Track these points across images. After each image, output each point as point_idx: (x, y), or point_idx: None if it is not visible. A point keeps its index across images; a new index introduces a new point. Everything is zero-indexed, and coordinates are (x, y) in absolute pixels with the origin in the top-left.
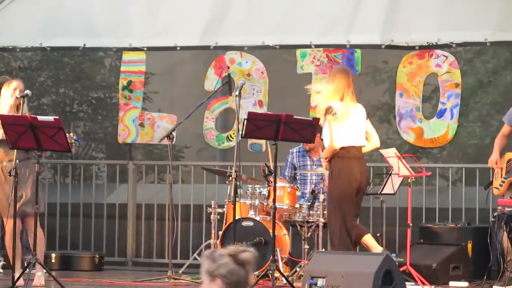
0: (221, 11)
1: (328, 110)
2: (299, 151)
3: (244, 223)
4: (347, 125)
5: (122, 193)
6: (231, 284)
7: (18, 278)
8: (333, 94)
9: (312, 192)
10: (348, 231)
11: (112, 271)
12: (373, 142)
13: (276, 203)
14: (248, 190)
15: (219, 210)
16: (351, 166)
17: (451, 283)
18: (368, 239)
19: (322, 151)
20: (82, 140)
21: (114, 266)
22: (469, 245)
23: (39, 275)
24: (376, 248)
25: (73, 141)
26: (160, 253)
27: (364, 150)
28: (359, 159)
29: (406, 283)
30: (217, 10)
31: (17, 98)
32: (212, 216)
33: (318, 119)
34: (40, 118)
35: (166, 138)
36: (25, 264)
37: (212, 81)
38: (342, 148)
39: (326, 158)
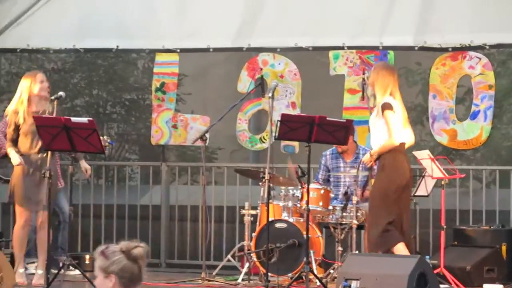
0: (253, 12)
1: (388, 106)
2: (332, 153)
3: (278, 225)
4: (400, 121)
5: (156, 195)
6: (125, 279)
7: (53, 279)
8: (381, 90)
9: (345, 194)
10: (395, 227)
11: (146, 272)
12: (410, 138)
13: (310, 205)
14: (281, 191)
15: (252, 212)
16: (402, 160)
17: (485, 286)
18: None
19: (357, 152)
20: (115, 142)
21: (147, 267)
22: (503, 248)
23: (40, 273)
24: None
25: (106, 144)
26: (193, 254)
27: None
28: (405, 154)
29: (440, 285)
30: (250, 12)
31: (51, 100)
32: (245, 218)
33: (351, 121)
34: (73, 119)
35: (199, 140)
36: (60, 265)
37: (245, 83)
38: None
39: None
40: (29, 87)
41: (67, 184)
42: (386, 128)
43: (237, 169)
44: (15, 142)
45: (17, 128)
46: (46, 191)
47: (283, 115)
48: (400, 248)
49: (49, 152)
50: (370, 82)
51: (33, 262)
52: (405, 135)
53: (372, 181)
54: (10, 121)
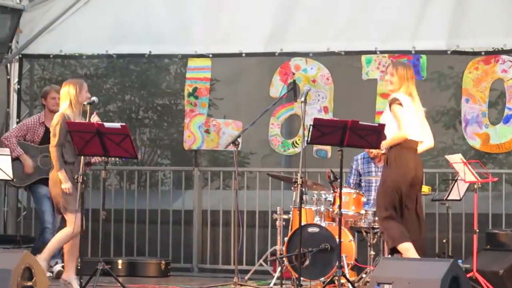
0: (285, 17)
1: (395, 101)
2: (363, 158)
3: (310, 229)
4: (411, 118)
5: (188, 200)
6: None
7: (86, 284)
8: (397, 85)
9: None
10: (399, 221)
11: (178, 277)
12: (428, 141)
13: (342, 209)
14: (314, 196)
15: (285, 216)
16: (408, 157)
17: None
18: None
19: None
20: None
21: (180, 272)
22: None
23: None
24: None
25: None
26: (225, 259)
27: (419, 149)
28: (415, 152)
29: None
30: (282, 17)
31: (84, 104)
32: (277, 222)
33: (383, 125)
34: (106, 125)
35: (231, 145)
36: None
37: (277, 88)
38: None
39: (386, 148)
40: (77, 94)
41: (98, 189)
42: (396, 122)
43: (270, 174)
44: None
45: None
46: (79, 196)
47: (315, 120)
48: (405, 247)
49: (82, 158)
50: (387, 79)
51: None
52: (417, 134)
53: None
54: (60, 124)
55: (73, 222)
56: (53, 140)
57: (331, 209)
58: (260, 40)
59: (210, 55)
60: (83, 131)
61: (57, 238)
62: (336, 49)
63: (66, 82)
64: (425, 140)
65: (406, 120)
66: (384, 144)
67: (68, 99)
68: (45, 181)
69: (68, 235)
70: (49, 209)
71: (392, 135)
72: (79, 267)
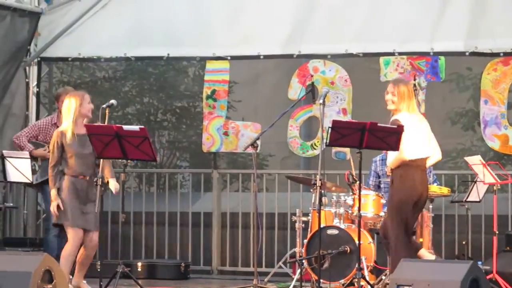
0: (303, 19)
1: (395, 123)
2: (382, 159)
3: (329, 232)
4: (414, 136)
5: (207, 202)
6: None
7: (106, 286)
8: (398, 105)
9: None
10: (409, 238)
11: (198, 279)
12: (436, 154)
13: (361, 211)
14: (333, 198)
15: (304, 219)
16: (414, 176)
17: None
18: (422, 252)
19: None
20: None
21: (199, 274)
22: None
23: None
24: (429, 256)
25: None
26: (245, 261)
27: (427, 164)
28: (422, 170)
29: None
30: (300, 19)
31: (102, 108)
32: (297, 225)
33: (402, 127)
34: (125, 127)
35: (250, 147)
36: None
37: (295, 90)
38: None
39: (392, 169)
40: (78, 107)
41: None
42: None
43: (288, 176)
44: (58, 166)
45: (62, 150)
46: (98, 199)
47: (334, 122)
48: None
49: (101, 160)
50: (388, 98)
51: None
52: (423, 151)
53: None
54: (55, 142)
55: (70, 236)
56: (50, 157)
57: (350, 211)
58: (278, 42)
59: (229, 58)
60: (102, 134)
61: (64, 257)
62: (354, 51)
63: (68, 95)
64: (432, 154)
65: (405, 142)
66: (392, 166)
67: (69, 113)
68: None
69: (70, 253)
70: None
71: (393, 157)
72: (99, 270)
